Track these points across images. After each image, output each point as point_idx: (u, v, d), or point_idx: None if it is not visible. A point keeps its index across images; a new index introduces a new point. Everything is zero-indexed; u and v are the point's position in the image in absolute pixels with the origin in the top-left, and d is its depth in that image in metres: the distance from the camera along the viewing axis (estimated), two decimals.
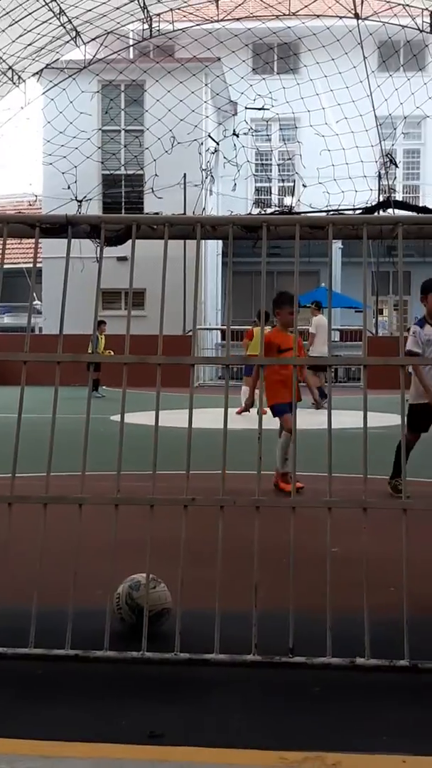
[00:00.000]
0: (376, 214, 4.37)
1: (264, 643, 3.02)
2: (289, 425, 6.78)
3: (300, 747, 2.47)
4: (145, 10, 14.06)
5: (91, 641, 3.10)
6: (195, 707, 2.78)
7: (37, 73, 17.61)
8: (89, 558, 3.75)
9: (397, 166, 28.73)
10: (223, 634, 3.04)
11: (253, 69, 23.80)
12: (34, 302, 28.49)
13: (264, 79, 14.03)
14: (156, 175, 10.71)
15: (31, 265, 3.64)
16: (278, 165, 31.63)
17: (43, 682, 2.96)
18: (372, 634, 3.00)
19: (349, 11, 13.75)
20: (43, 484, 3.28)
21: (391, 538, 4.33)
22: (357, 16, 13.63)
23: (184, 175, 24.68)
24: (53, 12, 12.91)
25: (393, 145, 29.64)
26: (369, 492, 3.27)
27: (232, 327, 3.55)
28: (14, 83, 17.36)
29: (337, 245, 27.80)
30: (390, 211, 4.71)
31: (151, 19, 14.63)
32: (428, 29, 12.68)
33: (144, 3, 13.75)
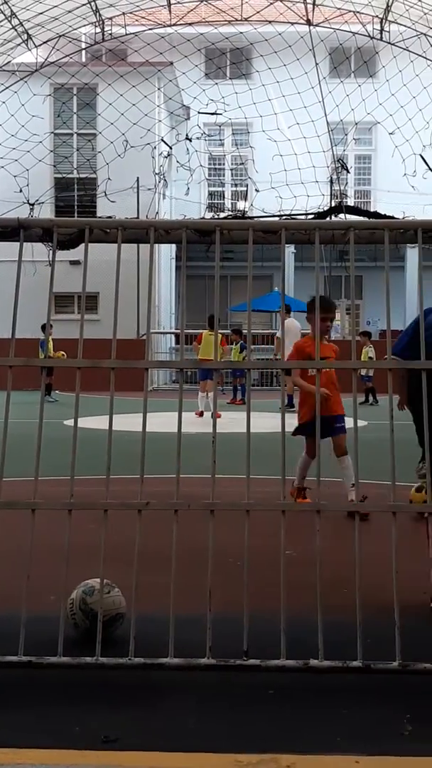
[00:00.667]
0: (328, 219, 4.41)
1: (218, 646, 3.03)
2: (310, 451, 6.40)
3: (255, 749, 2.47)
4: (98, 14, 14.01)
5: (44, 647, 3.08)
6: (149, 712, 2.78)
7: None
8: (42, 563, 3.73)
9: (348, 172, 29.00)
10: (178, 638, 3.04)
11: (206, 74, 23.83)
12: None
13: (216, 83, 14.06)
14: (109, 178, 10.67)
15: None
16: (231, 169, 31.73)
17: None
18: (325, 635, 3.02)
19: (301, 17, 13.86)
20: None
21: (346, 540, 4.38)
22: (309, 23, 13.73)
23: (137, 179, 24.64)
24: (4, 14, 12.80)
25: (344, 150, 29.91)
26: (325, 495, 3.29)
27: (186, 331, 3.56)
28: None
29: (289, 250, 27.99)
30: (342, 216, 4.76)
31: (103, 23, 14.58)
32: (378, 36, 12.80)
33: (96, 6, 13.70)
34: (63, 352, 18.68)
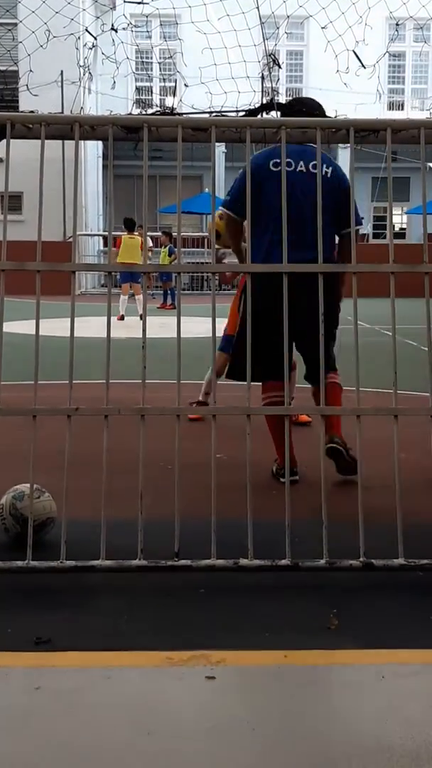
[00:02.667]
0: (259, 116, 4.31)
1: (150, 548, 3.06)
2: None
3: (186, 647, 2.53)
4: None
5: None
6: (82, 613, 2.81)
7: None
8: None
9: (280, 67, 28.30)
10: (109, 541, 3.06)
11: None
12: None
13: None
14: (31, 71, 10.21)
15: None
16: (159, 63, 30.73)
17: None
18: (255, 536, 3.08)
19: None
20: None
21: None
22: None
23: (61, 72, 23.66)
24: None
25: (276, 45, 29.18)
26: (255, 398, 3.30)
27: (114, 233, 3.46)
28: None
29: (220, 149, 27.44)
30: (273, 113, 4.65)
31: None
32: None
33: None
34: None
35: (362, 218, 4.51)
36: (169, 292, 20.68)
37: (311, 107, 4.49)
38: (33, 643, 2.56)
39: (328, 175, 4.24)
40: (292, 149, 3.99)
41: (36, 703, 2.22)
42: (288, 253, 3.31)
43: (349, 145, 3.40)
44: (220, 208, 4.81)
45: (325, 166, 4.17)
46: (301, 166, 4.30)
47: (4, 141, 3.32)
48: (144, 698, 2.26)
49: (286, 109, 4.57)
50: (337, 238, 4.46)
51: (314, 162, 3.76)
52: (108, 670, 2.42)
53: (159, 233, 22.53)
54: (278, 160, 3.89)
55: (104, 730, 2.09)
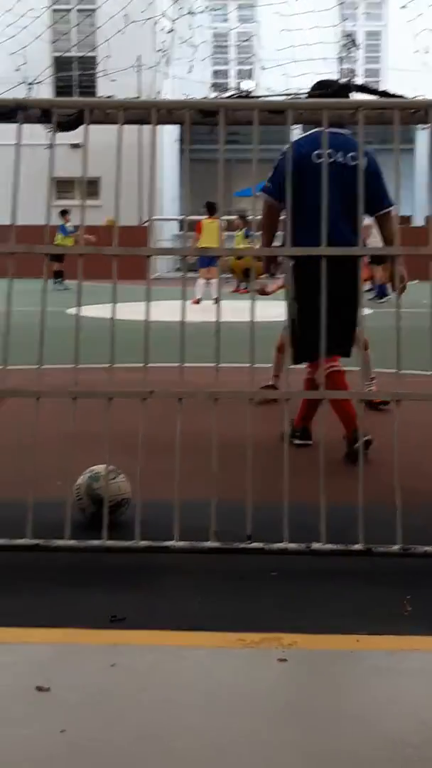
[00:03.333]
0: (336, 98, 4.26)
1: (222, 530, 3.08)
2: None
3: (258, 629, 2.54)
4: None
5: (52, 531, 3.14)
6: (155, 593, 2.85)
7: None
8: (49, 451, 3.77)
9: (358, 48, 27.97)
10: (183, 523, 3.09)
11: None
12: None
13: None
14: (108, 56, 10.29)
15: None
16: (236, 46, 30.62)
17: (4, 571, 3.00)
18: (328, 520, 3.07)
19: None
20: None
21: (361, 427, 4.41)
22: None
23: (139, 57, 23.78)
24: None
25: (354, 26, 28.78)
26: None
27: (189, 217, 3.48)
28: None
29: (296, 131, 27.24)
30: (351, 95, 4.60)
31: None
32: None
33: None
34: (93, 237, 18.59)
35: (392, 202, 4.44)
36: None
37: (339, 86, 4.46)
38: (108, 621, 2.61)
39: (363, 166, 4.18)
40: (333, 137, 3.96)
41: (112, 680, 2.27)
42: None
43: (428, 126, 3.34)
44: (260, 192, 4.75)
45: (354, 155, 4.13)
46: (339, 157, 4.28)
47: (83, 127, 3.36)
48: (216, 678, 2.29)
49: (364, 90, 4.51)
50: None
51: (352, 153, 3.78)
52: (181, 649, 2.45)
53: (234, 217, 22.49)
54: (321, 152, 3.82)
55: (178, 708, 2.13)
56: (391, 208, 4.24)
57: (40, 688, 2.19)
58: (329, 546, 3.07)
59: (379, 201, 4.03)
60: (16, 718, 2.05)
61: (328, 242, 3.27)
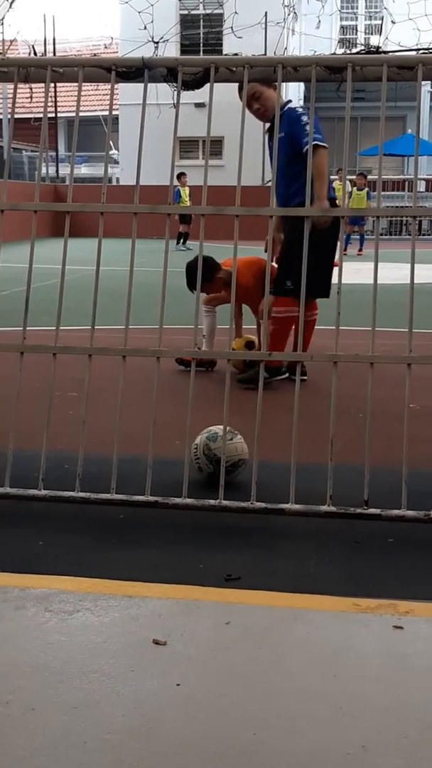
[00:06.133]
0: None
1: (339, 495, 3.07)
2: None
3: (373, 595, 2.53)
4: None
5: (169, 489, 3.19)
6: (270, 554, 2.86)
7: None
8: (167, 410, 3.82)
9: None
10: (299, 486, 3.09)
11: None
12: (111, 151, 28.05)
13: None
14: (236, 12, 10.17)
15: (107, 113, 3.54)
16: (365, 0, 29.76)
17: (124, 526, 3.08)
18: None
19: None
20: (123, 337, 3.31)
21: None
22: None
23: (265, 13, 23.46)
24: None
25: None
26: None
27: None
28: None
29: (426, 88, 26.35)
30: None
31: None
32: None
33: None
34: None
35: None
36: (359, 236, 20.13)
37: None
38: (223, 580, 2.64)
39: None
40: None
41: (226, 638, 2.30)
42: None
43: None
44: (321, 142, 4.94)
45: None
46: None
47: (207, 85, 3.34)
48: (330, 642, 2.29)
49: None
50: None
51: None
52: (295, 611, 2.46)
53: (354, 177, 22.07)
54: None
55: (291, 669, 2.14)
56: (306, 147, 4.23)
57: (157, 642, 2.24)
58: None
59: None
60: (134, 670, 2.11)
61: None
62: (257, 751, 1.79)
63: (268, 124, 5.11)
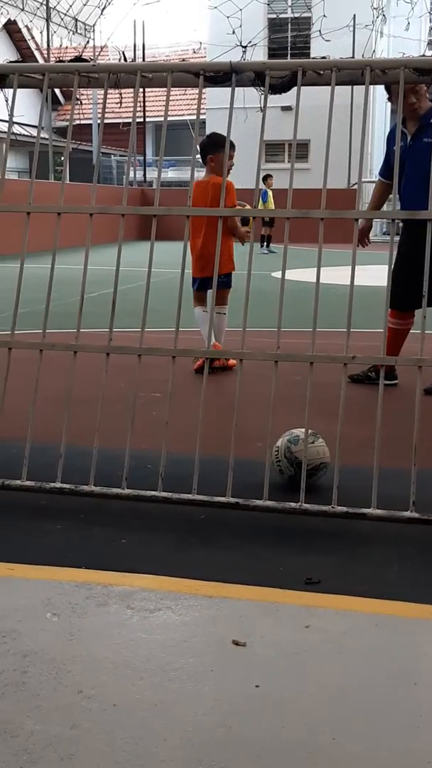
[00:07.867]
0: None
1: (422, 500, 3.03)
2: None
3: None
4: None
5: (250, 491, 3.20)
6: (351, 559, 2.84)
7: None
8: (250, 413, 3.83)
9: None
10: (381, 490, 3.06)
11: None
12: (198, 155, 28.13)
13: None
14: (324, 16, 10.15)
15: (194, 117, 3.57)
16: None
17: (205, 526, 3.10)
18: None
19: None
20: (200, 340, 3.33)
21: None
22: None
23: (354, 16, 23.32)
24: None
25: None
26: None
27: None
28: None
29: None
30: None
31: None
32: None
33: None
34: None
35: None
36: None
37: None
38: (303, 583, 2.63)
39: None
40: None
41: (306, 641, 2.30)
42: None
43: None
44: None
45: None
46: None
47: (295, 89, 3.35)
48: (410, 648, 2.26)
49: None
50: None
51: None
52: (375, 616, 2.44)
53: None
54: None
55: (370, 675, 2.12)
56: None
57: (236, 643, 2.25)
58: None
59: None
60: (213, 670, 2.12)
61: None
62: (336, 756, 1.78)
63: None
